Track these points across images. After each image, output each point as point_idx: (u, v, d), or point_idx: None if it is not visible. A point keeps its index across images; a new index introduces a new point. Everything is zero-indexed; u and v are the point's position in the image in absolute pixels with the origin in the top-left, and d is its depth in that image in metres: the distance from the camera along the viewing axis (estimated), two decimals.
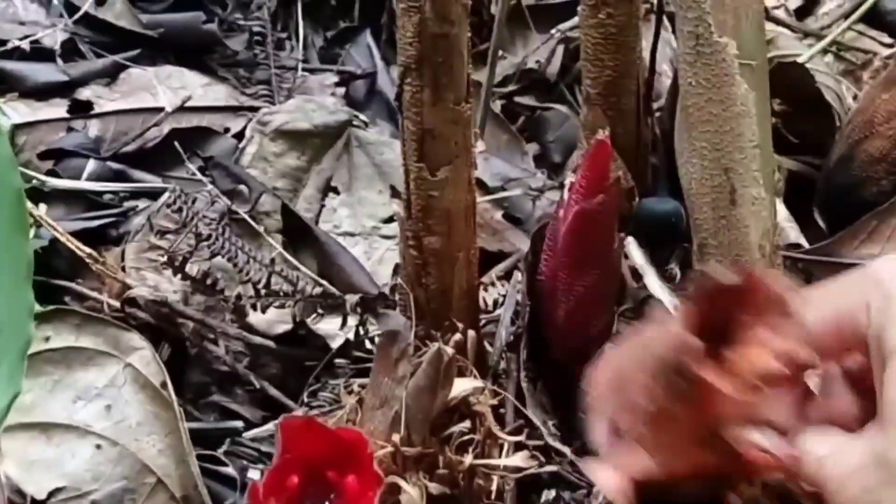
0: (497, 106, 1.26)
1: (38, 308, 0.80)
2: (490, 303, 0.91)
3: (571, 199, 0.74)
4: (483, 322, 0.84)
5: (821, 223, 1.01)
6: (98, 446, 0.80)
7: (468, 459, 0.69)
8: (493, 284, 0.92)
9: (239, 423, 0.88)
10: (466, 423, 0.70)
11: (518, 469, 0.70)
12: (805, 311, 0.58)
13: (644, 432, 0.60)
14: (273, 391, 0.90)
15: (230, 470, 0.83)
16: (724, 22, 0.72)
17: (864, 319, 0.56)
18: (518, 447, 0.71)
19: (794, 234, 0.96)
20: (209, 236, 0.91)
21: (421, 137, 0.71)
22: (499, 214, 1.12)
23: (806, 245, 0.95)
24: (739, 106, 0.74)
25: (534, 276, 0.79)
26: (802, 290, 0.61)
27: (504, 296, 0.90)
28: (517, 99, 1.29)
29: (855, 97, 1.19)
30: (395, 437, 0.67)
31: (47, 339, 0.82)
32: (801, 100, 1.09)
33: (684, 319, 0.58)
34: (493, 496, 0.70)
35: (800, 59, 1.14)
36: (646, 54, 0.96)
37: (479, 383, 0.72)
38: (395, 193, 0.75)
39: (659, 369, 0.58)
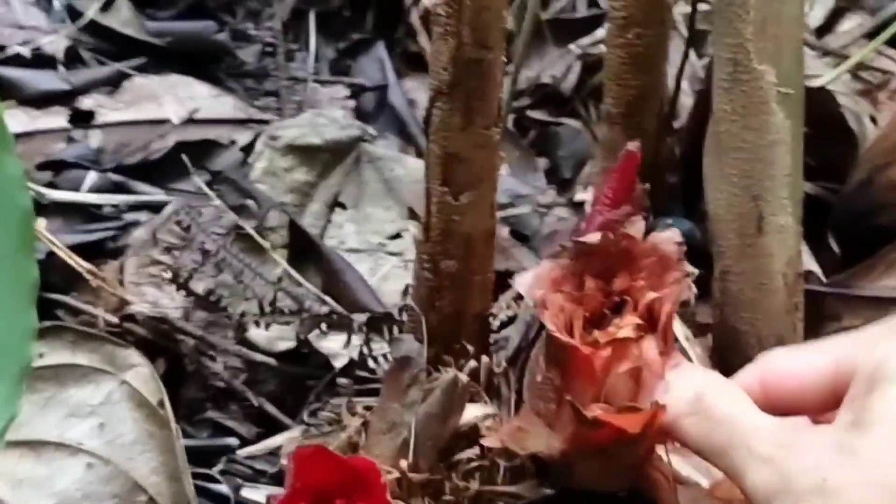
0: (509, 121, 1.26)
1: None
2: (496, 324, 0.90)
3: (596, 210, 0.74)
4: (492, 342, 0.83)
5: (835, 248, 1.01)
6: (89, 465, 0.79)
7: (474, 486, 0.68)
8: (506, 308, 0.91)
9: (233, 440, 0.88)
10: (475, 450, 0.69)
11: (522, 497, 0.69)
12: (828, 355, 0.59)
13: (552, 412, 0.65)
14: (270, 408, 0.89)
15: (224, 488, 0.83)
16: (763, 49, 0.72)
17: (864, 359, 0.56)
18: (519, 474, 0.70)
19: (805, 258, 0.96)
20: (216, 252, 0.90)
21: (447, 161, 0.70)
22: (505, 231, 1.11)
23: (818, 271, 0.95)
24: (774, 134, 0.74)
25: None
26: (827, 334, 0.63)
27: (511, 317, 0.89)
28: (529, 113, 1.28)
29: (872, 118, 1.18)
30: (403, 463, 0.67)
31: (41, 355, 0.81)
32: (823, 123, 1.08)
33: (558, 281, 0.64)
34: None
35: (822, 80, 1.14)
36: (670, 70, 0.95)
37: (489, 409, 0.71)
38: (412, 215, 0.75)
39: (542, 341, 0.65)
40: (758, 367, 0.63)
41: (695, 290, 0.67)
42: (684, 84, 1.18)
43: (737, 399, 0.59)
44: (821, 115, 1.07)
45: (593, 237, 0.66)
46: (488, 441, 0.68)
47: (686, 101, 1.08)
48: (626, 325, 0.63)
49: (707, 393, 0.60)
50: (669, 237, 0.65)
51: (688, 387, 0.61)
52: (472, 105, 0.68)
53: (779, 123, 0.73)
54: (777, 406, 0.61)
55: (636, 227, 0.66)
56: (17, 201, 0.53)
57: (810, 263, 0.97)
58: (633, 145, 0.73)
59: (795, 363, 0.61)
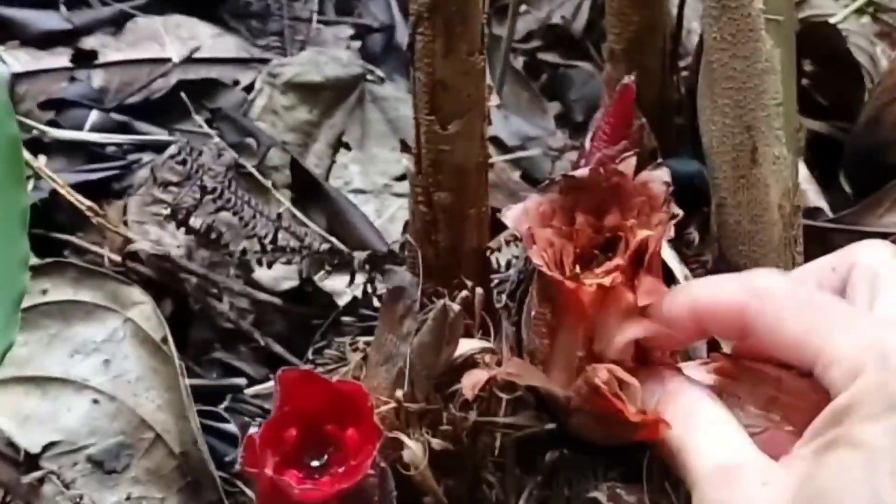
0: (519, 63, 1.26)
1: (35, 261, 0.82)
2: (503, 263, 0.91)
3: (593, 146, 0.74)
4: (495, 282, 0.84)
5: (846, 187, 1.01)
6: (95, 401, 0.81)
7: (472, 417, 0.69)
8: (507, 244, 0.92)
9: (242, 380, 0.89)
10: None
11: (522, 427, 0.70)
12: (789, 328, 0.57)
13: (546, 348, 0.65)
14: (277, 348, 0.91)
15: (231, 426, 0.84)
16: None
17: (843, 381, 0.54)
18: (519, 406, 0.71)
19: (812, 195, 0.96)
20: (214, 189, 0.91)
21: (432, 89, 0.70)
22: (516, 175, 1.12)
23: (826, 207, 0.95)
24: (764, 62, 0.74)
25: None
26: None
27: (517, 256, 0.90)
28: (540, 56, 1.29)
29: (892, 60, 1.18)
30: (399, 393, 0.67)
31: (44, 292, 0.83)
32: (831, 60, 1.08)
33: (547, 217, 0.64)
34: (496, 453, 0.70)
35: (833, 20, 1.13)
36: (673, 9, 0.95)
37: (486, 343, 0.72)
38: (405, 148, 0.75)
39: (535, 276, 0.65)
40: (746, 285, 0.60)
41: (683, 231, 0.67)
42: (694, 23, 1.18)
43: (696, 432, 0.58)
44: (829, 51, 1.07)
45: (583, 172, 0.65)
46: (475, 376, 0.68)
47: (695, 40, 1.08)
48: (612, 271, 0.63)
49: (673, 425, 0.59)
50: (659, 176, 0.65)
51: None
52: (454, 30, 0.68)
53: (768, 51, 0.73)
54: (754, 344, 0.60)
55: (627, 163, 0.66)
56: (4, 128, 0.54)
57: (818, 201, 0.98)
58: (628, 79, 0.73)
59: (783, 323, 0.58)
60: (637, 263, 0.64)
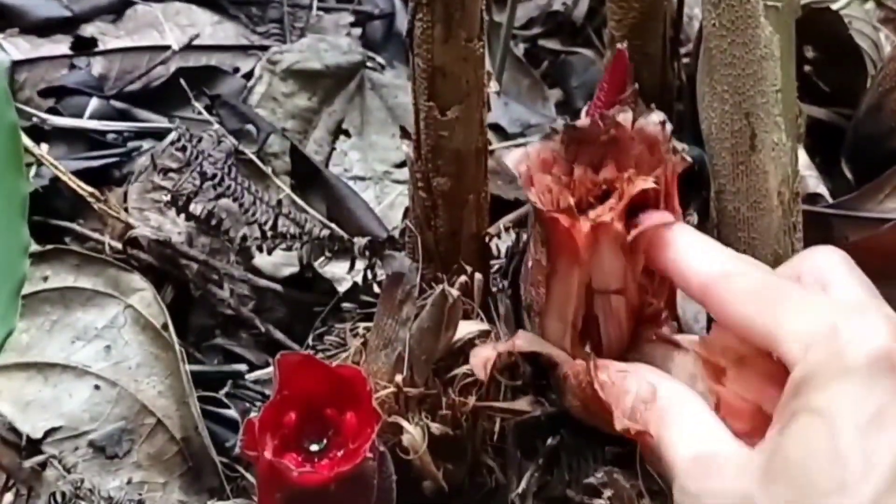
0: (520, 49, 1.26)
1: (36, 248, 0.83)
2: (503, 250, 0.92)
3: (589, 113, 0.75)
4: (495, 268, 0.85)
5: (847, 174, 1.01)
6: (96, 387, 0.82)
7: (471, 401, 0.70)
8: (505, 231, 0.92)
9: (242, 366, 0.90)
10: (471, 366, 0.71)
11: (522, 412, 0.71)
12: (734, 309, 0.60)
13: (542, 298, 0.66)
14: (278, 334, 0.91)
15: (232, 412, 0.85)
16: None
17: (796, 354, 0.56)
18: (519, 391, 0.72)
19: (813, 182, 0.96)
20: (214, 176, 0.92)
21: (431, 75, 0.71)
22: None
23: (826, 194, 0.95)
24: (763, 49, 0.74)
25: None
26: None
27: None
28: (541, 42, 1.28)
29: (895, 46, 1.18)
30: (398, 378, 0.68)
31: (45, 278, 0.84)
32: (833, 47, 1.08)
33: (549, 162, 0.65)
34: (495, 438, 0.71)
35: (835, 6, 1.13)
36: None
37: (484, 326, 0.73)
38: (404, 134, 0.76)
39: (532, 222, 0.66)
40: (709, 274, 0.63)
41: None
42: (696, 10, 1.18)
43: (673, 426, 0.60)
44: (831, 38, 1.07)
45: (584, 122, 0.66)
46: (483, 354, 0.69)
47: (696, 26, 1.08)
48: (607, 210, 0.64)
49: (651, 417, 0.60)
50: (653, 119, 0.66)
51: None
52: (453, 15, 0.69)
53: (767, 37, 0.73)
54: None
55: (625, 115, 0.67)
56: (2, 115, 0.55)
57: (819, 188, 0.98)
58: (621, 45, 0.73)
59: (739, 304, 0.61)
60: (636, 211, 0.65)
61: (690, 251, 0.64)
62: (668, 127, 0.66)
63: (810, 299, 0.59)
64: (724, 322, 0.62)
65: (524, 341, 0.69)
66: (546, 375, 0.71)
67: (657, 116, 0.66)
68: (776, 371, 0.59)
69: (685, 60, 1.01)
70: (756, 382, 0.62)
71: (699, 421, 0.60)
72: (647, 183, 0.64)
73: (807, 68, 1.09)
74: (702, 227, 0.90)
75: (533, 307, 0.68)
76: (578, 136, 0.66)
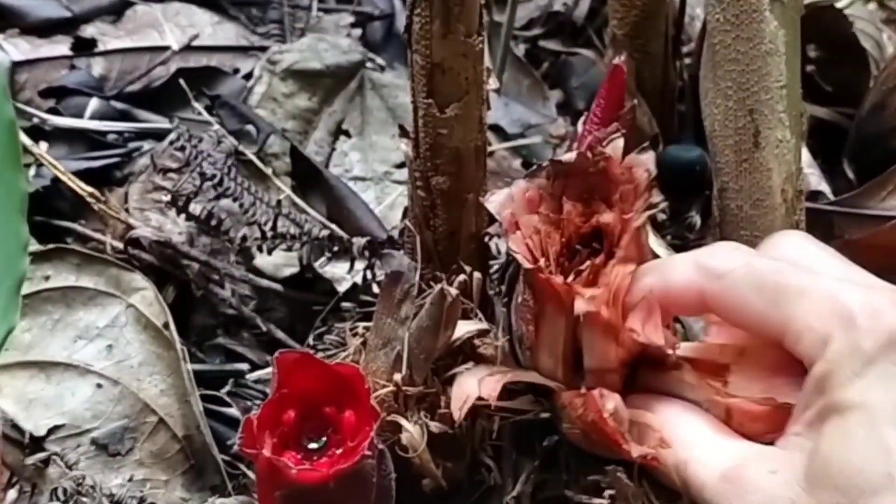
0: (520, 50, 1.26)
1: (37, 247, 0.84)
2: (503, 250, 0.92)
3: (586, 129, 0.75)
4: (494, 268, 0.85)
5: (849, 173, 1.02)
6: (98, 385, 0.83)
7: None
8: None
9: (244, 366, 0.91)
10: (470, 365, 0.71)
11: (521, 411, 0.71)
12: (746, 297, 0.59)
13: (531, 335, 0.66)
14: (279, 334, 0.92)
15: (234, 411, 0.86)
16: None
17: (815, 349, 0.55)
18: (517, 391, 0.72)
19: (814, 180, 0.97)
20: (214, 176, 0.92)
21: (430, 72, 0.71)
22: (517, 163, 1.13)
23: (828, 192, 0.96)
24: (767, 44, 0.74)
25: None
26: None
27: None
28: (542, 43, 1.29)
29: None
30: (397, 377, 0.69)
31: (47, 278, 0.85)
32: (836, 46, 1.09)
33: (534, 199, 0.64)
34: (494, 437, 0.72)
35: (839, 4, 1.14)
36: None
37: (483, 325, 0.73)
38: (403, 132, 0.76)
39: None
40: (699, 275, 0.62)
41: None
42: (698, 10, 1.19)
43: (692, 448, 0.59)
44: (834, 36, 1.08)
45: (570, 156, 0.65)
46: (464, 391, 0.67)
47: (698, 26, 1.09)
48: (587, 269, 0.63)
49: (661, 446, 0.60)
50: (643, 161, 0.65)
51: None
52: (452, 10, 0.68)
53: (772, 33, 0.73)
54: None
55: (614, 145, 0.66)
56: (1, 112, 0.55)
57: (820, 185, 0.99)
58: (619, 60, 0.73)
59: (744, 299, 0.59)
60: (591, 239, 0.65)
61: (669, 273, 0.62)
62: (654, 173, 0.64)
63: (813, 282, 0.57)
64: (732, 323, 0.61)
65: (514, 376, 0.68)
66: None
67: (646, 160, 0.64)
68: (781, 358, 0.58)
69: (687, 60, 1.02)
70: (762, 372, 0.61)
71: (715, 437, 0.59)
72: (639, 220, 0.63)
73: (809, 67, 1.09)
74: (704, 225, 0.91)
75: (523, 340, 0.68)
76: (565, 170, 0.65)
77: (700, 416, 0.61)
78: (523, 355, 0.69)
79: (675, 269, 0.62)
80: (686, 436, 0.60)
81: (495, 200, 0.66)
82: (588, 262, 0.63)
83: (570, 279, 0.63)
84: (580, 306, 0.61)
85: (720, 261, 0.61)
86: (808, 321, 0.56)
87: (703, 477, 0.57)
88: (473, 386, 0.66)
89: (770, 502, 0.54)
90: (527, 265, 0.62)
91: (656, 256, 0.70)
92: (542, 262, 0.64)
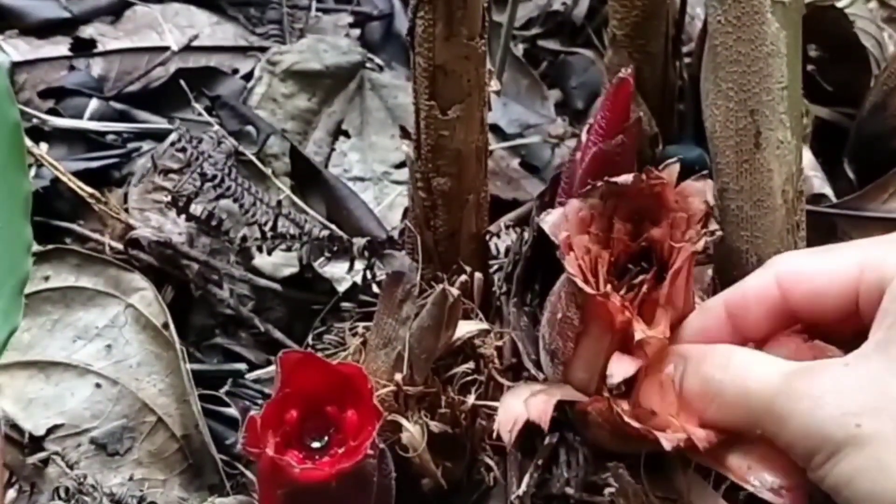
0: (519, 50, 1.27)
1: (37, 248, 0.85)
2: (502, 249, 0.93)
3: (590, 140, 0.75)
4: (494, 268, 0.86)
5: (850, 174, 1.02)
6: (98, 385, 0.84)
7: (470, 400, 0.71)
8: (504, 231, 0.94)
9: (242, 366, 0.92)
10: (470, 365, 0.72)
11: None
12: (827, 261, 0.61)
13: (569, 351, 0.66)
14: (277, 334, 0.93)
15: (232, 410, 0.87)
16: None
17: (892, 269, 0.57)
18: None
19: (818, 182, 0.97)
20: (214, 177, 0.93)
21: (432, 74, 0.71)
22: (515, 162, 1.13)
23: (831, 195, 0.96)
24: (769, 45, 0.74)
25: None
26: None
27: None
28: (541, 43, 1.29)
29: None
30: (398, 377, 0.70)
31: (46, 278, 0.86)
32: (837, 45, 1.09)
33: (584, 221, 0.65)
34: (494, 437, 0.72)
35: (840, 4, 1.14)
36: None
37: (484, 325, 0.74)
38: (404, 134, 0.76)
39: (565, 280, 0.65)
40: (771, 269, 0.64)
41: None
42: (698, 9, 1.19)
43: (732, 360, 0.60)
44: (835, 36, 1.08)
45: (626, 178, 0.66)
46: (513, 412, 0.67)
47: (698, 26, 1.09)
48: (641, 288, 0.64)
49: (707, 371, 0.60)
50: (700, 190, 0.66)
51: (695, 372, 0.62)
52: (455, 13, 0.69)
53: (773, 34, 0.73)
54: (796, 309, 0.62)
55: (670, 170, 0.66)
56: (5, 114, 0.56)
57: (824, 188, 0.99)
58: (625, 72, 0.73)
59: (815, 264, 0.62)
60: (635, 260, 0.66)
61: (741, 286, 0.65)
62: (712, 203, 0.65)
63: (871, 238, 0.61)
64: (806, 299, 0.62)
65: (560, 394, 0.68)
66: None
67: (705, 189, 0.66)
68: None
69: (687, 60, 1.02)
70: None
71: (766, 358, 0.59)
72: (696, 246, 0.64)
73: (810, 67, 1.09)
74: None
75: (557, 354, 0.68)
76: (619, 192, 0.66)
77: (743, 349, 0.61)
78: (555, 368, 0.70)
79: (747, 280, 0.65)
80: (743, 354, 0.60)
81: (550, 221, 0.66)
82: (640, 278, 0.64)
83: (622, 297, 0.64)
84: (639, 335, 0.63)
85: (786, 263, 0.64)
86: (880, 251, 0.58)
87: (766, 379, 0.57)
88: (521, 407, 0.67)
89: (846, 383, 0.54)
90: (587, 290, 0.63)
91: None
92: (593, 282, 0.64)
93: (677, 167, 0.67)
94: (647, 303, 0.65)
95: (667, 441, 0.61)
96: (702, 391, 0.61)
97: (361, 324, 0.80)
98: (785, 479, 0.59)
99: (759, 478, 0.60)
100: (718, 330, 0.64)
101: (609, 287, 0.64)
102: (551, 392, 0.68)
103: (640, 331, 0.63)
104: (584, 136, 0.78)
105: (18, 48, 1.13)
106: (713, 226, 0.65)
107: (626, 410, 0.63)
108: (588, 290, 0.63)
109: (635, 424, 0.62)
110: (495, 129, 1.14)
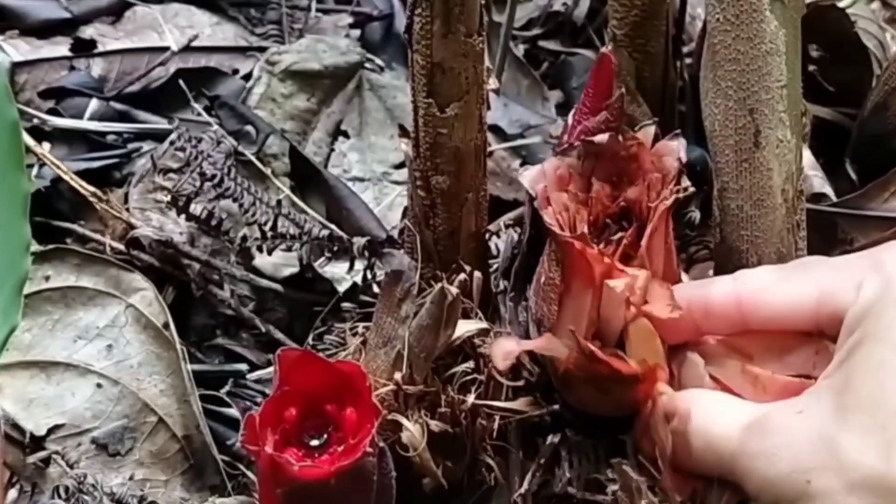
0: (520, 50, 1.27)
1: (37, 247, 0.85)
2: (502, 249, 0.93)
3: (575, 119, 0.75)
4: (493, 267, 0.86)
5: (851, 174, 1.02)
6: (98, 385, 0.84)
7: (470, 399, 0.71)
8: (503, 230, 0.94)
9: (243, 366, 0.92)
10: (470, 364, 0.73)
11: (520, 412, 0.72)
12: (790, 282, 0.62)
13: (553, 315, 0.67)
14: (278, 334, 0.93)
15: (233, 411, 0.87)
16: None
17: (849, 297, 0.58)
18: (520, 391, 0.73)
19: (818, 182, 0.97)
20: (214, 177, 0.93)
21: (430, 71, 0.71)
22: (516, 163, 1.14)
23: (832, 195, 0.96)
24: (768, 44, 0.74)
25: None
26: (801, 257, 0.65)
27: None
28: (541, 43, 1.29)
29: None
30: (397, 376, 0.70)
31: (47, 278, 0.86)
32: (838, 45, 1.09)
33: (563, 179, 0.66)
34: (495, 436, 0.72)
35: (841, 4, 1.14)
36: None
37: (483, 325, 0.74)
38: (403, 132, 0.77)
39: (548, 241, 0.66)
40: (736, 285, 0.65)
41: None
42: (699, 9, 1.19)
43: (695, 410, 0.61)
44: (836, 36, 1.08)
45: (602, 138, 0.67)
46: (505, 346, 0.69)
47: (699, 26, 1.09)
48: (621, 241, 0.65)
49: (684, 419, 0.62)
50: (673, 149, 0.67)
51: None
52: (452, 10, 0.69)
53: (772, 32, 0.73)
54: (755, 327, 0.64)
55: (645, 131, 0.68)
56: (4, 113, 0.56)
57: (824, 187, 0.99)
58: (605, 49, 0.74)
59: (774, 289, 0.63)
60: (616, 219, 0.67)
61: (709, 287, 0.65)
62: (683, 161, 0.67)
63: (842, 258, 0.61)
64: (765, 323, 0.63)
65: (546, 343, 0.70)
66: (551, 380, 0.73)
67: (677, 147, 0.67)
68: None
69: (687, 60, 1.02)
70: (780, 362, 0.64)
71: (730, 402, 0.61)
72: (667, 203, 0.65)
73: (811, 67, 1.10)
74: (704, 225, 0.92)
75: (543, 322, 0.70)
76: (596, 151, 0.67)
77: (709, 391, 0.63)
78: (542, 336, 0.71)
79: (715, 284, 0.66)
80: (707, 403, 0.61)
81: (528, 175, 0.67)
82: (619, 234, 0.65)
83: (601, 249, 0.65)
84: (619, 284, 0.64)
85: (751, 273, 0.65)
86: (839, 278, 0.59)
87: (727, 433, 0.59)
88: (513, 343, 0.69)
89: (796, 439, 0.55)
90: (565, 236, 0.64)
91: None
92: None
93: (653, 128, 0.68)
94: (625, 261, 0.66)
95: (633, 366, 0.62)
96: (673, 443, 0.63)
97: (362, 324, 0.80)
98: None
99: None
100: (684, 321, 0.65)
101: (586, 231, 0.65)
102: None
103: (621, 277, 0.64)
104: (570, 119, 0.78)
105: (19, 48, 1.13)
106: (685, 182, 0.66)
107: (598, 346, 0.64)
108: (566, 235, 0.64)
109: (601, 355, 0.63)
110: (496, 129, 1.14)
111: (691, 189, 0.68)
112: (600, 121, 0.73)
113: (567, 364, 0.67)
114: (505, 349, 0.68)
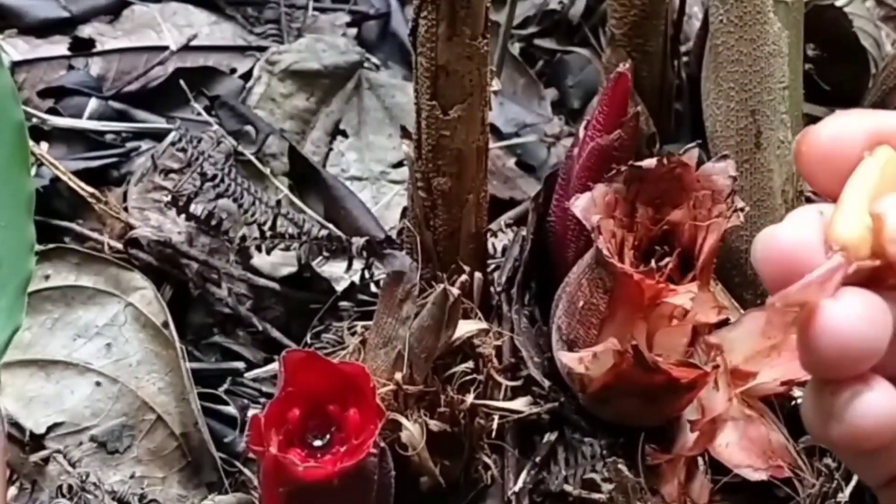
0: (516, 49, 1.27)
1: (37, 246, 0.85)
2: (500, 249, 0.94)
3: (588, 135, 0.76)
4: (492, 267, 0.87)
5: None
6: (98, 383, 0.84)
7: (469, 399, 0.72)
8: (502, 230, 0.94)
9: (241, 364, 0.92)
10: (469, 364, 0.73)
11: (518, 412, 0.73)
12: None
13: (592, 338, 0.68)
14: (275, 333, 0.93)
15: (231, 409, 0.87)
16: None
17: None
18: (518, 391, 0.73)
19: None
20: (214, 176, 0.94)
21: (434, 74, 0.72)
22: (511, 161, 1.14)
23: None
24: (771, 45, 0.75)
25: (544, 216, 0.81)
26: None
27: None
28: (537, 42, 1.29)
29: (894, 43, 1.19)
30: (398, 375, 0.70)
31: (47, 277, 0.86)
32: (836, 45, 1.09)
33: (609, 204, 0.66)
34: (493, 435, 0.73)
35: (838, 3, 1.14)
36: None
37: (483, 325, 0.75)
38: (405, 134, 0.77)
39: (587, 267, 0.67)
40: None
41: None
42: (696, 8, 1.20)
43: None
44: (834, 35, 1.08)
45: (649, 163, 0.68)
46: None
47: (696, 25, 1.10)
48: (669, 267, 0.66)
49: None
50: (723, 169, 0.67)
51: None
52: (457, 13, 0.70)
53: (775, 34, 0.74)
54: None
55: (690, 153, 0.68)
56: (9, 114, 0.56)
57: None
58: (623, 67, 0.74)
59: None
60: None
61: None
62: (735, 180, 0.67)
63: None
64: None
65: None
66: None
67: (727, 167, 0.67)
68: None
69: (685, 59, 1.03)
70: None
71: None
72: (730, 222, 0.66)
73: (808, 66, 1.10)
74: None
75: (578, 343, 0.70)
76: (641, 176, 0.68)
77: None
78: None
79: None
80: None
81: (580, 206, 0.68)
82: (665, 260, 0.66)
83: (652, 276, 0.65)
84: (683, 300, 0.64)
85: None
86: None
87: None
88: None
89: None
90: (626, 269, 0.64)
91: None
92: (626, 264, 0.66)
93: (696, 151, 0.68)
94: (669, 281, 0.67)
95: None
96: None
97: (360, 323, 0.81)
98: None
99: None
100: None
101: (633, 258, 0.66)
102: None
103: (676, 294, 0.64)
104: (581, 133, 0.79)
105: (17, 48, 1.13)
106: (739, 203, 0.67)
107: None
108: (626, 269, 0.64)
109: (659, 360, 0.63)
110: (492, 128, 1.14)
111: (747, 209, 0.68)
112: (614, 139, 0.73)
113: (606, 378, 0.68)
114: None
